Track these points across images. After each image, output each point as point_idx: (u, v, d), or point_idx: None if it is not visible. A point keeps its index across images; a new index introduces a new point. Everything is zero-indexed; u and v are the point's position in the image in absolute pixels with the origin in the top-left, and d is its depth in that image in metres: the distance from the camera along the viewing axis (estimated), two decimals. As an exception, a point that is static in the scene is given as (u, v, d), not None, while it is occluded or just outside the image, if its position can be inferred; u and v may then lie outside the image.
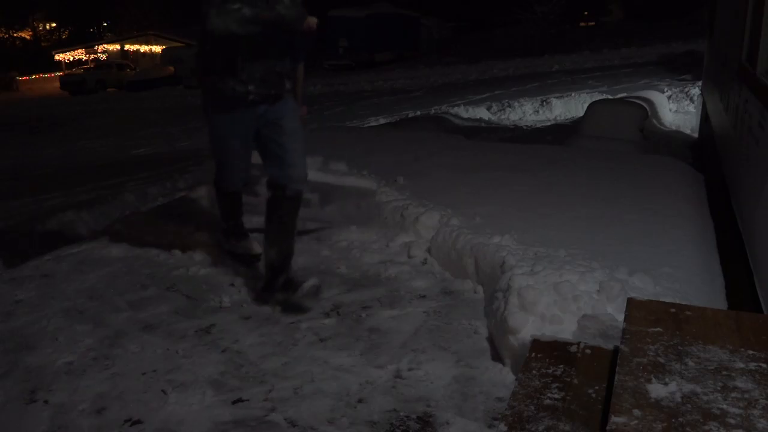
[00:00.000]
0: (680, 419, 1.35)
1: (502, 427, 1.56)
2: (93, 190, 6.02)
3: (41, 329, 2.76)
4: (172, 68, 29.19)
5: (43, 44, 46.13)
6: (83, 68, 33.48)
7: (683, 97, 11.99)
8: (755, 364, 1.55)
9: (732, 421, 1.34)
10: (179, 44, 35.22)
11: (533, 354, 1.93)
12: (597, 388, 1.69)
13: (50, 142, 11.69)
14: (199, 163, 5.97)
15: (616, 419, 1.36)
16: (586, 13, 41.25)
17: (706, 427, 1.32)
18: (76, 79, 30.36)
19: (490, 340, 2.54)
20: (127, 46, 39.68)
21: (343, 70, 26.89)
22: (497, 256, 2.91)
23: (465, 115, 11.79)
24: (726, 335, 1.70)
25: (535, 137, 9.00)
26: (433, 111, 12.32)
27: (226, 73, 2.73)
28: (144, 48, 39.65)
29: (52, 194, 5.98)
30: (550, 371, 1.81)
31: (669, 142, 8.09)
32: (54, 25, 48.84)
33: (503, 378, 2.29)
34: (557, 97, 12.87)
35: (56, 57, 39.70)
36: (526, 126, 11.06)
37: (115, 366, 2.44)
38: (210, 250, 3.52)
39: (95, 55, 38.33)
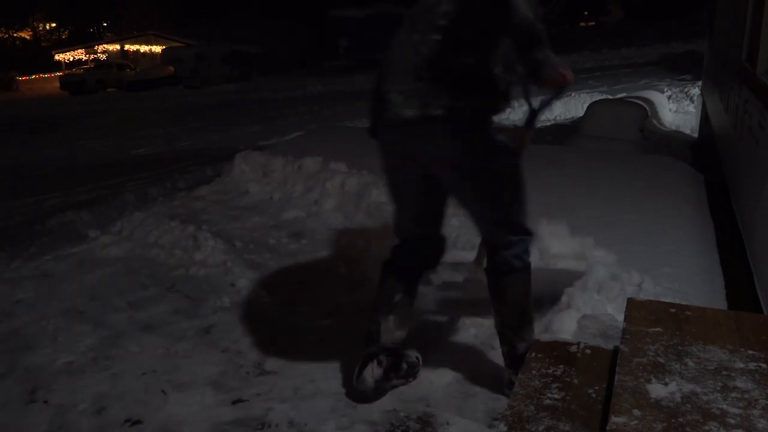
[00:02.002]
0: (680, 419, 1.35)
1: (502, 427, 1.56)
2: (93, 190, 6.04)
3: (41, 329, 2.76)
4: (172, 68, 29.15)
5: (43, 44, 46.10)
6: (83, 68, 33.43)
7: (683, 97, 11.97)
8: (755, 364, 1.55)
9: (732, 421, 1.34)
10: (179, 44, 35.18)
11: (533, 354, 1.92)
12: (597, 388, 1.69)
13: (50, 142, 11.68)
14: (199, 163, 5.98)
15: (616, 419, 1.36)
16: (586, 13, 41.29)
17: (706, 427, 1.32)
18: (76, 79, 30.31)
19: (490, 340, 2.53)
20: (127, 46, 39.65)
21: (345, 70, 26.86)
22: (497, 256, 2.90)
23: (465, 115, 11.75)
24: (726, 335, 1.70)
25: (535, 137, 8.97)
26: (433, 111, 12.28)
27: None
28: (144, 48, 39.61)
29: (52, 194, 6.00)
30: (550, 371, 1.80)
31: (669, 142, 8.07)
32: (54, 25, 48.82)
33: (503, 378, 2.28)
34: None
35: (56, 57, 39.67)
36: (526, 126, 11.03)
37: (115, 366, 2.44)
38: (210, 250, 3.52)
39: (95, 55, 38.30)
